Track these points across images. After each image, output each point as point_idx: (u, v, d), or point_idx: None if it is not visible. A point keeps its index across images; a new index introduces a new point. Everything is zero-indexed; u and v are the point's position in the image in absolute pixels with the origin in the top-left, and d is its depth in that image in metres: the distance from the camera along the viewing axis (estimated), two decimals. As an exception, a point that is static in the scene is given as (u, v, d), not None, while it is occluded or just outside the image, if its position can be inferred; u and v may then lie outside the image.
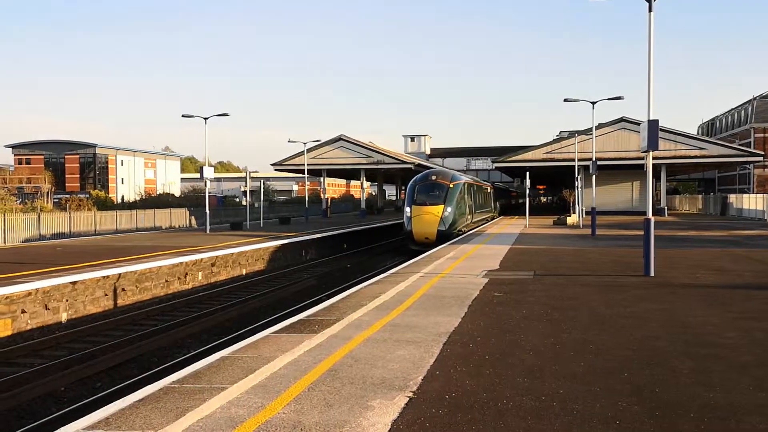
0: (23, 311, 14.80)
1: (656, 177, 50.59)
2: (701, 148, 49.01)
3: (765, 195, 46.86)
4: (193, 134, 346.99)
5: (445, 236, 28.69)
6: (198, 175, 40.91)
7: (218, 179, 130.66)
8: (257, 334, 8.99)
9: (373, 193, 78.55)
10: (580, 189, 40.76)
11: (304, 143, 51.14)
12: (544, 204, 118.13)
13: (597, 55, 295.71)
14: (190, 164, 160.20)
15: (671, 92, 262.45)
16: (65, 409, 9.68)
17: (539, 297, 11.80)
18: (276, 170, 60.39)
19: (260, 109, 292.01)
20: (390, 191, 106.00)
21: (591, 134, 37.36)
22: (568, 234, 30.06)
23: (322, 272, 26.00)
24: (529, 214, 40.92)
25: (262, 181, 55.63)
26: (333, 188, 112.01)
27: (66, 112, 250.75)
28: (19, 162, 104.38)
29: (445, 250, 21.47)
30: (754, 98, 68.85)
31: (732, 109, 76.85)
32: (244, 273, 24.93)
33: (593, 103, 33.26)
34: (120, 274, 17.85)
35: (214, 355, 7.85)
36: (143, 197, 74.11)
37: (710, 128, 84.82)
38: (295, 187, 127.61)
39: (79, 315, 16.43)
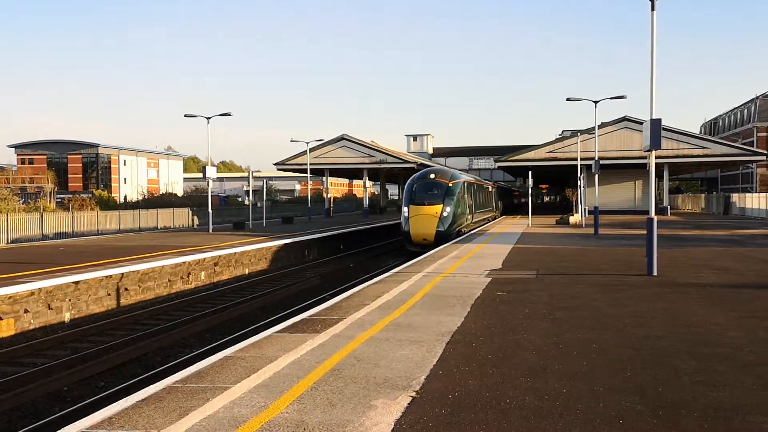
0: (26, 311, 14.82)
1: (659, 176, 50.56)
2: (704, 147, 48.96)
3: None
4: (196, 134, 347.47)
5: (444, 237, 27.92)
6: (201, 175, 40.90)
7: (221, 179, 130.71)
8: (260, 334, 8.99)
9: (376, 193, 78.56)
10: (582, 188, 40.68)
11: (307, 143, 51.18)
12: (547, 203, 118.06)
13: (600, 54, 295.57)
14: (192, 164, 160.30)
15: (674, 91, 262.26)
16: (68, 409, 9.69)
17: (542, 296, 11.79)
18: (279, 170, 60.41)
19: (263, 109, 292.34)
20: (393, 191, 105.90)
21: (593, 133, 37.32)
22: (570, 233, 30.03)
23: (326, 272, 26.00)
24: (532, 214, 40.90)
25: (264, 180, 55.72)
26: (336, 188, 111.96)
27: (68, 112, 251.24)
28: (22, 162, 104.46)
29: (447, 250, 21.46)
30: (757, 97, 68.72)
31: (735, 108, 76.72)
32: (246, 272, 24.95)
33: (596, 102, 33.22)
34: (123, 273, 17.87)
35: (217, 354, 7.85)
36: (146, 197, 74.14)
37: (713, 127, 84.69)
38: (298, 187, 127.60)
39: (81, 315, 16.45)
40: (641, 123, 41.97)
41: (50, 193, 78.49)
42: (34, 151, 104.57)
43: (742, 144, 58.90)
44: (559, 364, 7.16)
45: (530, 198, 42.39)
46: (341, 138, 55.93)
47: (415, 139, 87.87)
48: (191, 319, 16.25)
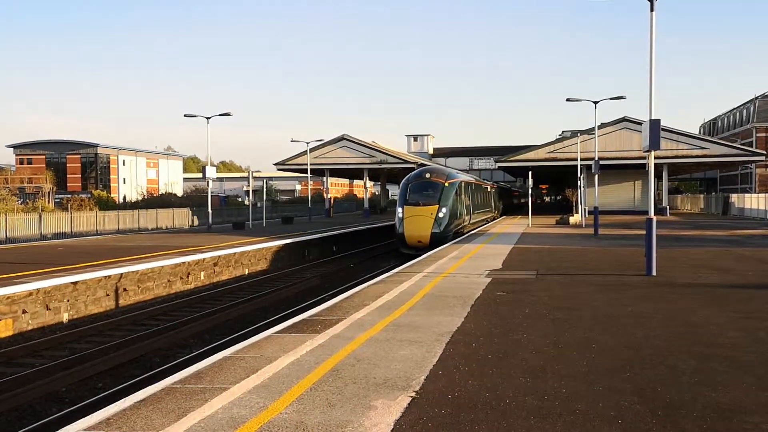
0: (24, 311, 14.81)
1: (658, 176, 50.57)
2: (703, 148, 48.99)
3: (767, 194, 46.81)
4: (196, 134, 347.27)
5: (439, 239, 26.82)
6: (200, 175, 40.96)
7: (221, 179, 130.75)
8: (260, 334, 8.98)
9: (376, 193, 78.62)
10: (582, 188, 40.70)
11: (307, 143, 51.18)
12: (547, 204, 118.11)
13: (599, 54, 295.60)
14: (192, 164, 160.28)
15: (673, 91, 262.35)
16: (66, 410, 9.67)
17: (542, 296, 11.79)
18: (279, 170, 60.43)
19: (263, 109, 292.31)
20: (393, 191, 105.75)
21: (593, 134, 37.35)
22: (570, 233, 30.04)
23: (326, 272, 25.98)
24: (532, 214, 40.91)
25: (264, 180, 55.77)
26: (336, 188, 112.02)
27: (67, 112, 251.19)
28: (21, 162, 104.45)
29: (447, 250, 21.46)
30: (756, 98, 68.75)
31: (734, 109, 76.77)
32: (246, 273, 24.93)
33: (595, 102, 33.25)
34: (122, 274, 17.85)
35: (216, 355, 7.84)
36: (145, 197, 74.15)
37: (712, 128, 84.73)
38: (298, 187, 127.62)
39: (80, 315, 16.43)
40: (640, 123, 41.96)
41: (49, 193, 78.46)
42: (32, 151, 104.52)
43: (741, 144, 58.89)
44: (558, 364, 7.16)
45: (530, 198, 42.41)
46: (341, 138, 55.94)
47: (415, 139, 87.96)
48: (190, 320, 16.23)
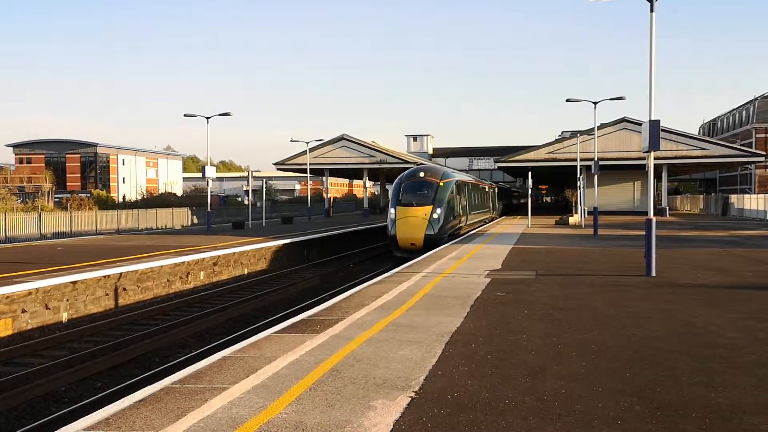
0: (24, 311, 14.80)
1: (658, 177, 50.56)
2: (703, 149, 48.99)
3: (766, 195, 46.83)
4: (195, 133, 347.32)
5: (433, 242, 25.50)
6: (200, 175, 40.93)
7: (220, 179, 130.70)
8: (259, 334, 8.98)
9: (376, 193, 78.55)
10: (582, 189, 40.71)
11: (307, 143, 51.17)
12: (547, 204, 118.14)
13: (599, 55, 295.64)
14: (192, 164, 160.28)
15: (673, 92, 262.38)
16: (65, 410, 9.67)
17: (541, 297, 11.79)
18: (278, 170, 60.39)
19: (262, 109, 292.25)
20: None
21: (593, 134, 37.35)
22: (570, 234, 30.04)
23: (326, 272, 25.98)
24: (532, 214, 40.91)
25: (264, 180, 55.79)
26: (336, 188, 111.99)
27: (67, 111, 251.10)
28: (20, 161, 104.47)
29: (447, 250, 21.46)
30: (756, 98, 68.74)
31: (733, 110, 76.77)
32: (246, 272, 24.93)
33: (595, 103, 33.24)
34: (121, 273, 17.85)
35: (215, 354, 7.84)
36: (145, 197, 74.17)
37: (712, 128, 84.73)
38: (298, 187, 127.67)
39: (79, 315, 16.43)
40: (640, 124, 42.04)
41: (48, 192, 78.46)
42: (32, 150, 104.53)
43: (741, 145, 58.88)
44: (558, 364, 7.16)
45: (530, 198, 42.40)
46: (341, 138, 55.93)
47: (415, 139, 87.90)
48: (190, 320, 16.22)
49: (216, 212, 45.85)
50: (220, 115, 35.81)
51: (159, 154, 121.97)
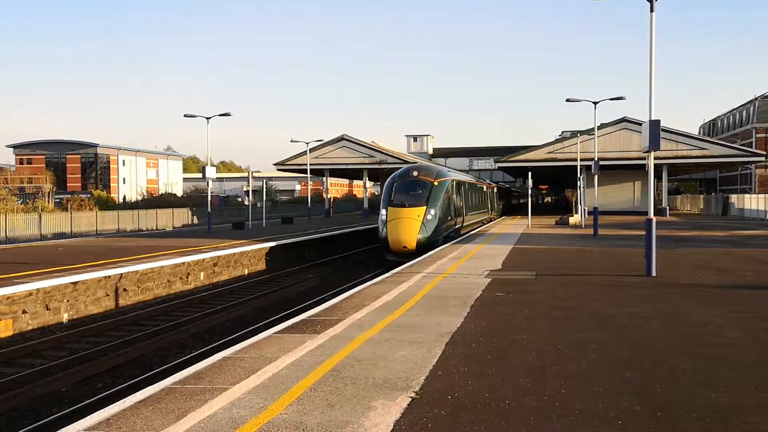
0: (24, 311, 14.81)
1: (658, 177, 50.57)
2: (703, 149, 49.02)
3: (766, 195, 46.84)
4: (196, 134, 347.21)
5: (427, 244, 24.26)
6: (200, 175, 40.98)
7: (220, 179, 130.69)
8: (259, 335, 8.98)
9: (376, 193, 78.62)
10: (582, 189, 40.72)
11: (307, 143, 51.19)
12: (547, 204, 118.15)
13: (599, 54, 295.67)
14: (192, 164, 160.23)
15: (673, 92, 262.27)
16: (66, 410, 9.68)
17: (541, 297, 11.80)
18: (278, 170, 60.45)
19: (263, 109, 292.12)
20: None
21: (593, 134, 37.36)
22: (570, 234, 30.05)
23: (326, 272, 26.00)
24: (532, 214, 40.91)
25: (264, 180, 55.78)
26: (336, 188, 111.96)
27: (67, 112, 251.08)
28: (21, 162, 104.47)
29: (447, 251, 21.47)
30: (756, 98, 68.77)
31: (733, 109, 76.80)
32: (246, 273, 24.94)
33: (595, 103, 33.25)
34: (121, 274, 17.86)
35: (216, 355, 7.85)
36: (145, 197, 74.20)
37: (712, 128, 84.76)
38: (298, 187, 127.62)
39: (80, 315, 16.44)
40: (640, 124, 42.02)
41: (49, 193, 78.43)
42: (32, 151, 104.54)
43: (741, 145, 58.90)
44: (558, 364, 7.16)
45: (530, 198, 42.40)
46: (341, 138, 55.95)
47: (415, 139, 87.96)
48: (190, 320, 16.24)
49: (216, 213, 45.88)
50: (220, 115, 35.82)
51: (159, 154, 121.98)
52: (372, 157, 55.57)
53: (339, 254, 32.35)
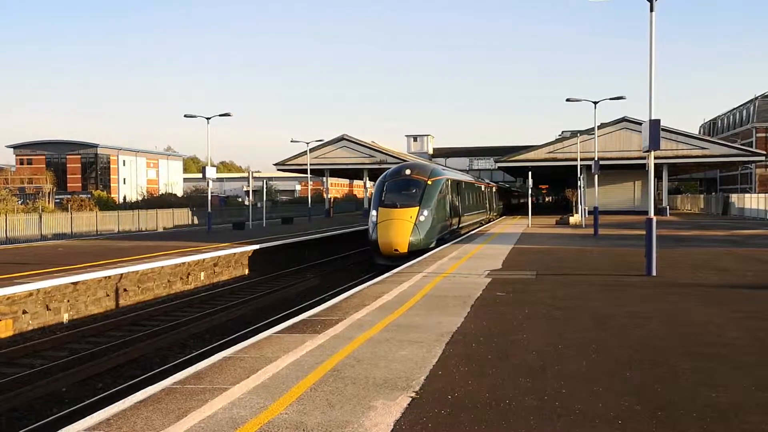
0: (24, 312, 14.81)
1: (658, 176, 50.58)
2: (703, 148, 49.01)
3: (767, 195, 46.83)
4: (196, 134, 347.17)
5: (420, 247, 22.99)
6: (200, 175, 41.01)
7: (220, 179, 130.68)
8: (260, 335, 8.98)
9: (376, 193, 78.57)
10: (582, 189, 40.71)
11: (307, 143, 51.19)
12: (547, 204, 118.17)
13: (599, 54, 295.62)
14: (192, 164, 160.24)
15: (673, 91, 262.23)
16: (67, 410, 9.68)
17: (542, 297, 11.79)
18: (279, 170, 60.48)
19: (263, 109, 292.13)
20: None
21: (593, 134, 37.36)
22: (570, 234, 30.04)
23: (326, 271, 25.98)
24: (532, 214, 40.91)
25: (264, 181, 55.78)
26: (336, 188, 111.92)
27: (67, 112, 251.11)
28: (21, 162, 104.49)
29: (447, 250, 21.46)
30: (756, 98, 68.78)
31: (734, 109, 76.80)
32: (246, 273, 24.93)
33: (595, 102, 33.24)
34: (122, 274, 17.86)
35: (216, 355, 7.85)
36: (145, 197, 74.23)
37: (712, 128, 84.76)
38: (298, 187, 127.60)
39: (80, 315, 16.44)
40: (640, 123, 41.98)
41: (49, 193, 78.50)
42: (32, 151, 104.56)
43: (741, 144, 58.90)
44: (558, 364, 7.16)
45: (530, 198, 42.37)
46: (341, 138, 55.96)
47: (415, 139, 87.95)
48: (190, 320, 16.23)
49: (217, 213, 45.90)
50: (220, 115, 35.82)
51: (159, 154, 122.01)
52: (372, 157, 55.58)
53: (339, 254, 32.35)
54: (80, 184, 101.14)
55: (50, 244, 26.95)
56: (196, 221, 43.23)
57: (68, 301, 16.10)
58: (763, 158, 51.44)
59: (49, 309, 15.52)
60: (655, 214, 15.33)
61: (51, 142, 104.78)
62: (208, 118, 35.28)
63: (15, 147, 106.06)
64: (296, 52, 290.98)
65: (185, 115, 36.41)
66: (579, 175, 39.34)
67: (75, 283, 16.21)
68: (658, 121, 14.44)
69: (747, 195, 52.72)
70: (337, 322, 9.59)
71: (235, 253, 23.95)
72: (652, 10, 14.63)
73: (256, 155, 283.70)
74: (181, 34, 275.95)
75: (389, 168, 53.74)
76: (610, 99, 33.76)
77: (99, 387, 11.16)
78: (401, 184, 24.90)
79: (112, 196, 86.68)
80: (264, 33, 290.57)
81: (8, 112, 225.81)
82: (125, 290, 18.16)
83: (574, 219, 39.30)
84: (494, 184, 53.87)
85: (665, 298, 11.61)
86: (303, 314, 10.45)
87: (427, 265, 17.03)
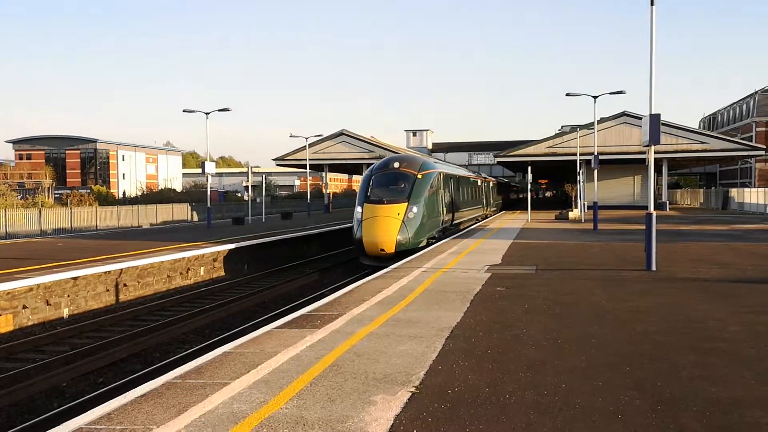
0: (24, 307, 14.82)
1: (658, 171, 50.54)
2: (703, 143, 48.95)
3: (766, 189, 46.81)
4: (195, 129, 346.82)
5: (409, 247, 21.22)
6: (199, 171, 40.96)
7: (220, 174, 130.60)
8: (259, 329, 8.99)
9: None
10: (582, 183, 40.68)
11: (306, 138, 51.11)
12: (546, 198, 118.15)
13: (599, 50, 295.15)
14: (191, 159, 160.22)
15: (673, 86, 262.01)
16: (67, 405, 9.69)
17: (541, 291, 11.80)
18: (278, 165, 60.34)
19: (262, 104, 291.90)
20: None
21: (593, 128, 37.31)
22: (570, 228, 30.03)
23: (325, 267, 25.98)
24: (531, 209, 40.87)
25: (263, 176, 55.79)
26: (335, 183, 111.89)
27: (67, 107, 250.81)
28: (20, 157, 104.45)
29: (446, 245, 21.45)
30: (756, 92, 68.74)
31: (734, 103, 76.74)
32: (245, 268, 24.91)
33: (595, 97, 33.18)
34: (122, 269, 17.86)
35: (216, 350, 7.85)
36: (145, 192, 74.21)
37: (712, 122, 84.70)
38: (297, 182, 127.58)
39: (80, 310, 16.45)
40: (640, 118, 41.96)
41: (48, 188, 78.48)
42: (32, 146, 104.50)
43: (741, 139, 58.85)
44: (558, 359, 7.17)
45: (529, 193, 42.30)
46: (340, 133, 55.86)
47: (414, 134, 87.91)
48: (190, 315, 16.23)
49: (216, 208, 45.88)
50: (219, 110, 35.70)
51: (159, 149, 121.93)
52: (371, 152, 55.47)
53: (339, 249, 32.33)
54: (80, 179, 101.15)
55: (50, 239, 26.93)
56: (195, 216, 43.20)
57: (68, 296, 16.10)
58: (763, 153, 51.38)
59: (50, 304, 15.53)
60: (654, 209, 15.31)
61: (50, 137, 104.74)
62: (207, 113, 35.20)
63: (14, 142, 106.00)
64: (296, 48, 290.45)
65: (184, 110, 36.31)
66: (578, 170, 39.30)
67: (75, 278, 16.21)
68: (658, 115, 14.41)
69: (747, 189, 52.70)
70: (336, 317, 9.59)
71: (235, 248, 23.92)
72: (652, 3, 14.57)
73: (255, 151, 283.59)
74: (181, 29, 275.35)
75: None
76: (610, 93, 33.73)
77: (100, 381, 11.17)
78: (389, 177, 22.95)
79: (112, 191, 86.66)
80: (263, 28, 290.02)
81: (8, 108, 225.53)
82: (125, 285, 18.16)
83: (573, 214, 39.29)
84: (492, 179, 53.57)
85: (665, 293, 11.61)
86: (303, 309, 10.44)
87: (427, 261, 17.03)
